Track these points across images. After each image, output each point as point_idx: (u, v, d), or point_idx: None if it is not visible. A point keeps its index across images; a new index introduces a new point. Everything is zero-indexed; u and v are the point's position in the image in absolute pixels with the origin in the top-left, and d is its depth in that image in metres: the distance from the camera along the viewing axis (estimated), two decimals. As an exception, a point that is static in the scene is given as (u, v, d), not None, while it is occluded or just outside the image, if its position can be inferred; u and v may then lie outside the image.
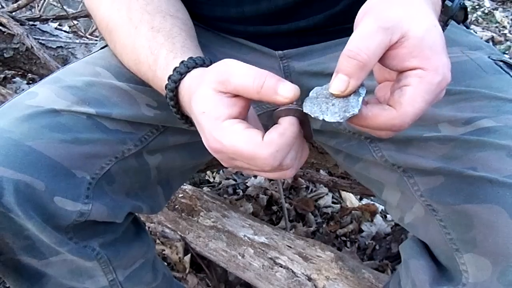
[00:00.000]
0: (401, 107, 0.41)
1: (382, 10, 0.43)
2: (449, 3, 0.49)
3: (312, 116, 0.43)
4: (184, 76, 0.50)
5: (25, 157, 0.53)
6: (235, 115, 0.44)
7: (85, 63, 0.66)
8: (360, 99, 0.42)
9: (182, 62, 0.49)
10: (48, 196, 0.54)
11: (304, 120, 0.45)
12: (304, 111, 0.44)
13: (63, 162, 0.55)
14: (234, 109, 0.44)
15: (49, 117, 0.56)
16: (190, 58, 0.50)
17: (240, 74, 0.43)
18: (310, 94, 0.45)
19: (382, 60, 0.42)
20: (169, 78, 0.50)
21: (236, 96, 0.44)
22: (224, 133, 0.43)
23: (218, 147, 0.44)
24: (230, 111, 0.44)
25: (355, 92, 0.42)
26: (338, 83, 0.41)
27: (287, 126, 0.44)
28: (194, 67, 0.51)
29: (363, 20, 0.43)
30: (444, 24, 0.50)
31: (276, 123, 0.45)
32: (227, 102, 0.44)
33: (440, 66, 0.41)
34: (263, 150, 0.42)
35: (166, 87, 0.51)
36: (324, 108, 0.43)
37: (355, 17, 0.45)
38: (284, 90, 0.42)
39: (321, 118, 0.43)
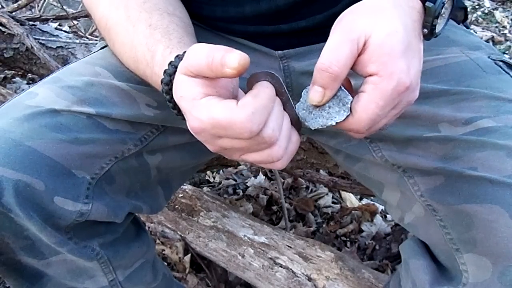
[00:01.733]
0: (356, 113, 0.44)
1: (349, 21, 0.45)
2: (430, 4, 0.49)
3: (326, 126, 0.46)
4: None
5: (25, 157, 0.53)
6: (212, 94, 0.44)
7: (85, 63, 0.66)
8: (343, 88, 0.45)
9: (177, 56, 0.49)
10: (48, 196, 0.54)
11: (280, 91, 0.45)
12: (312, 128, 0.46)
13: (63, 162, 0.55)
14: (209, 89, 0.44)
15: (49, 117, 0.56)
16: (185, 52, 0.50)
17: (195, 55, 0.44)
18: (301, 114, 0.47)
19: None
20: (164, 72, 0.50)
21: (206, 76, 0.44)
22: (201, 109, 0.43)
23: (198, 125, 0.44)
24: (205, 90, 0.44)
25: None
26: (315, 94, 0.44)
27: (260, 88, 0.44)
28: None
29: (333, 32, 0.45)
30: (430, 25, 0.50)
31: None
32: (201, 83, 0.44)
33: (395, 72, 0.43)
34: (238, 114, 0.41)
35: (161, 82, 0.51)
36: (327, 114, 0.46)
37: None
38: (229, 61, 0.41)
39: (334, 123, 0.45)
